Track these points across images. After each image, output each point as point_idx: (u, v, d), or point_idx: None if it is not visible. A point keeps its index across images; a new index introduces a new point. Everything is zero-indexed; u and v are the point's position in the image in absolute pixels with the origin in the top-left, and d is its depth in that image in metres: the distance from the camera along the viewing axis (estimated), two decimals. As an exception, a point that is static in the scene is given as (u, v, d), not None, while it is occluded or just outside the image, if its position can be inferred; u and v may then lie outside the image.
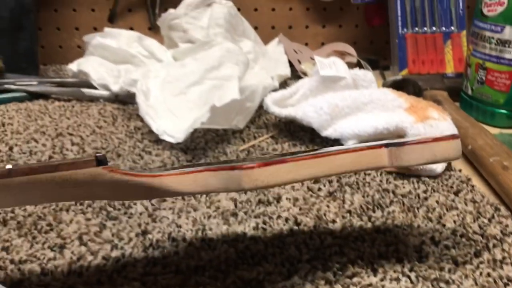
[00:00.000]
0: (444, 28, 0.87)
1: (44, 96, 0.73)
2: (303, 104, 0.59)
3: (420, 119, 0.54)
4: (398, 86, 0.79)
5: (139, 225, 0.43)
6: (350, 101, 0.57)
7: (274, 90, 0.68)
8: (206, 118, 0.53)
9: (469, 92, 0.73)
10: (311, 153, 0.31)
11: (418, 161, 0.33)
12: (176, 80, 0.65)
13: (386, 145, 0.33)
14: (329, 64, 0.62)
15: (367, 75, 0.63)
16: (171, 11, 0.79)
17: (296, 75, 0.85)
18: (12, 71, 0.76)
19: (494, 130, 0.67)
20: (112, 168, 0.28)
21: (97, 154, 0.28)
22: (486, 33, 0.69)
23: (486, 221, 0.45)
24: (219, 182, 0.30)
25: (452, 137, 0.33)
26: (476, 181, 0.53)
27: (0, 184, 0.27)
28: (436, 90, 0.75)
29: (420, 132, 0.50)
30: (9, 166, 0.27)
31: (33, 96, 0.73)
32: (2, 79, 0.72)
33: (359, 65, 0.89)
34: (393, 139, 0.36)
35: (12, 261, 0.38)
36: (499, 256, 0.40)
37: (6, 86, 0.72)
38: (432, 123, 0.52)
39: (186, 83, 0.65)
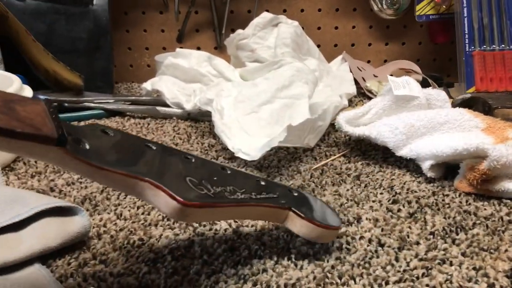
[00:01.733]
0: (513, 45, 0.85)
1: (120, 113, 0.77)
2: (377, 124, 0.60)
3: (499, 139, 0.53)
4: (467, 104, 0.78)
5: (226, 241, 0.44)
6: (426, 121, 0.57)
7: (344, 108, 0.69)
8: (284, 137, 0.55)
9: (544, 111, 0.71)
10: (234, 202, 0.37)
11: (304, 235, 0.41)
12: (248, 99, 0.67)
13: (290, 209, 0.41)
14: (403, 83, 0.62)
15: (440, 94, 0.63)
16: (239, 31, 0.81)
17: (361, 92, 0.85)
18: (90, 90, 0.80)
19: None
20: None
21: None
22: None
23: None
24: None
25: (335, 228, 0.41)
26: (560, 204, 0.51)
27: None
28: (507, 108, 0.74)
29: (503, 153, 0.49)
30: None
31: (110, 113, 0.76)
32: (81, 97, 0.76)
33: (424, 82, 0.88)
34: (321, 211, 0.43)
35: (111, 274, 0.40)
36: None
37: (86, 104, 0.76)
38: (513, 144, 0.51)
39: (258, 102, 0.67)
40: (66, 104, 0.75)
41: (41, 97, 0.75)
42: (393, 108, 0.62)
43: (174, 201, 0.32)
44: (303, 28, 0.93)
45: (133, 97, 0.79)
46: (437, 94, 0.63)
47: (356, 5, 0.94)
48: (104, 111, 0.76)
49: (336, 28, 0.96)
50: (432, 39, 0.96)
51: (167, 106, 0.76)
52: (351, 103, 0.82)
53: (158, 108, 0.75)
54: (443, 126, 0.57)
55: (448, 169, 0.57)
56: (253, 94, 0.67)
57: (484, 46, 0.85)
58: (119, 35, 0.94)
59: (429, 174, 0.55)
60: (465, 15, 0.84)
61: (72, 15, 0.82)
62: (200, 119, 0.75)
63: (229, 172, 0.40)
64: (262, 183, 0.42)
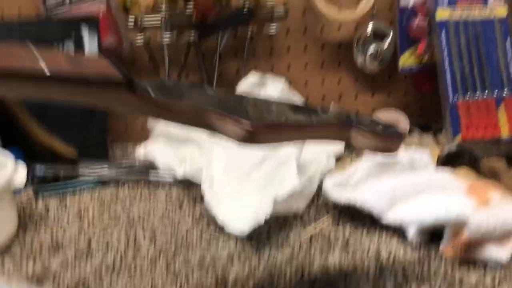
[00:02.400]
0: (496, 92, 0.87)
1: (115, 181, 0.78)
2: (362, 189, 0.61)
3: (482, 201, 0.55)
4: (454, 155, 0.79)
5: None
6: (409, 185, 0.58)
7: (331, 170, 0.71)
8: (270, 211, 0.56)
9: (528, 161, 0.73)
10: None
11: (371, 149, 0.42)
12: (238, 164, 0.69)
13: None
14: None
15: (423, 156, 0.64)
16: (227, 93, 0.84)
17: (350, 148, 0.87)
18: (85, 157, 0.82)
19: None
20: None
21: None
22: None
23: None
24: None
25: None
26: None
27: None
28: (494, 158, 0.75)
29: (482, 221, 0.50)
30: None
31: (104, 182, 0.78)
32: (76, 168, 0.78)
33: (411, 132, 0.90)
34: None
35: None
36: None
37: (80, 174, 0.77)
38: (494, 209, 0.53)
39: (247, 167, 0.69)
40: (61, 175, 0.77)
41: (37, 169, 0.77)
42: (377, 171, 0.63)
43: (241, 129, 0.33)
44: (290, 83, 0.96)
45: (127, 164, 0.80)
46: (420, 156, 0.64)
47: (340, 59, 0.97)
48: (99, 180, 0.78)
49: (323, 81, 0.98)
50: (417, 88, 0.98)
51: (160, 172, 0.77)
52: (340, 158, 0.84)
53: (151, 175, 0.77)
54: (426, 190, 0.58)
55: (435, 233, 0.58)
56: (243, 160, 0.69)
57: (468, 95, 0.87)
58: (112, 99, 0.97)
59: (415, 240, 0.56)
60: (447, 66, 0.87)
61: (65, 86, 0.84)
62: (193, 183, 0.76)
63: (287, 104, 0.42)
64: (320, 111, 0.42)
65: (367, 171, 0.63)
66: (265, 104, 0.40)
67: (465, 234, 0.51)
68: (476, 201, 0.55)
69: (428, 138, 0.93)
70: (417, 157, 0.64)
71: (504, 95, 0.87)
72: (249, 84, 0.84)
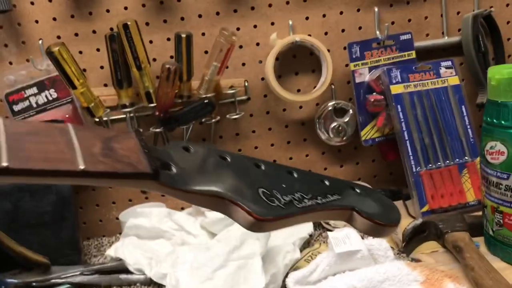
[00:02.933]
0: (457, 159, 0.90)
1: (88, 284, 0.79)
2: (323, 285, 0.62)
3: (436, 295, 0.56)
4: (419, 230, 0.81)
5: None
6: (366, 281, 0.59)
7: (296, 260, 0.72)
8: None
9: (491, 232, 0.74)
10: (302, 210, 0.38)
11: (365, 232, 0.41)
12: (203, 265, 0.70)
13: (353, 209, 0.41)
14: (343, 239, 0.65)
15: (382, 244, 0.65)
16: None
17: (320, 224, 0.88)
18: (58, 258, 0.82)
19: (522, 272, 0.67)
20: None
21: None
22: (494, 179, 0.71)
23: None
24: None
25: (394, 225, 0.41)
26: None
27: None
28: (457, 232, 0.77)
29: (436, 319, 0.51)
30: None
31: (77, 286, 0.78)
32: (48, 274, 0.79)
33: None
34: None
35: None
36: None
37: (53, 280, 0.78)
38: (448, 303, 0.54)
39: (212, 267, 0.69)
40: (34, 284, 0.78)
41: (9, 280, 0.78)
42: (338, 264, 0.64)
43: (251, 217, 0.35)
44: (259, 164, 0.98)
45: (98, 266, 0.81)
46: (379, 244, 0.66)
47: (305, 136, 0.99)
48: (71, 285, 0.78)
49: (291, 158, 1.00)
50: (383, 157, 1.00)
51: (131, 272, 0.78)
52: (311, 238, 0.85)
53: (121, 276, 0.78)
54: (383, 284, 0.59)
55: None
56: (207, 259, 0.70)
57: (430, 165, 0.89)
58: (86, 195, 0.99)
59: (376, 338, 0.57)
60: (406, 137, 0.89)
61: (36, 190, 0.86)
62: (164, 284, 0.77)
63: (295, 175, 0.42)
64: (326, 182, 0.43)
65: (328, 264, 0.64)
66: (277, 185, 0.40)
67: (420, 333, 0.52)
68: (431, 294, 0.56)
69: (399, 206, 0.94)
70: (376, 244, 0.65)
71: (466, 161, 0.89)
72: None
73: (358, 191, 0.44)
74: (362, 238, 0.67)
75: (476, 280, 0.64)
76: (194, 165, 0.37)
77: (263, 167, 0.41)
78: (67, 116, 0.88)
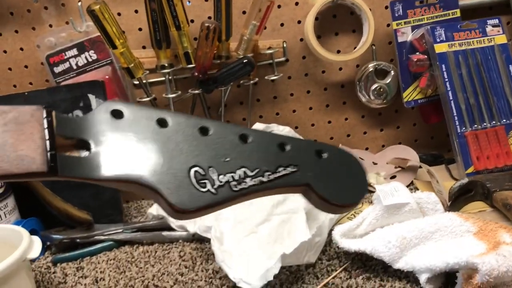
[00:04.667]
0: (504, 120, 0.87)
1: (130, 242, 0.80)
2: (371, 237, 0.61)
3: (491, 245, 0.54)
4: (465, 189, 0.78)
5: None
6: (417, 231, 0.58)
7: (340, 219, 0.70)
8: (278, 269, 0.56)
9: (542, 190, 0.71)
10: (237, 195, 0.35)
11: (318, 209, 0.38)
12: (246, 219, 0.69)
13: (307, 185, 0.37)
14: (391, 191, 0.64)
15: (430, 197, 0.64)
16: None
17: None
18: (99, 218, 0.83)
19: None
20: None
21: None
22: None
23: None
24: None
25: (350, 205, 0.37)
26: None
27: None
28: (506, 191, 0.74)
29: (493, 266, 0.49)
30: None
31: (120, 243, 0.79)
32: (92, 231, 0.80)
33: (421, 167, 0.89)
34: None
35: None
36: None
37: (96, 237, 0.79)
38: (505, 251, 0.52)
39: (256, 221, 0.69)
40: (78, 240, 0.79)
41: (54, 236, 0.79)
42: (385, 217, 0.63)
43: (171, 208, 0.33)
44: (297, 127, 0.97)
45: (140, 224, 0.82)
46: (427, 197, 0.64)
47: (345, 99, 0.98)
48: (114, 242, 0.79)
49: (330, 122, 0.99)
50: (425, 120, 0.97)
51: (173, 229, 0.78)
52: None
53: (164, 233, 0.78)
54: (434, 235, 0.58)
55: (448, 276, 0.57)
56: (251, 214, 0.70)
57: (475, 125, 0.86)
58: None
59: (427, 287, 0.55)
60: (451, 97, 0.87)
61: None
62: (206, 239, 0.77)
63: (249, 141, 0.37)
64: (287, 148, 0.37)
65: (376, 217, 0.63)
66: (219, 160, 0.35)
67: (477, 279, 0.50)
68: (486, 245, 0.54)
69: (441, 170, 0.92)
70: (424, 197, 0.64)
71: (513, 121, 0.86)
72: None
73: (324, 156, 0.38)
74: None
75: (530, 235, 0.61)
76: (119, 138, 0.34)
77: (210, 132, 0.36)
78: (107, 77, 0.88)
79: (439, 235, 0.57)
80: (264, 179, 0.35)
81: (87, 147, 0.33)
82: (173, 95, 0.90)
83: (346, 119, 0.99)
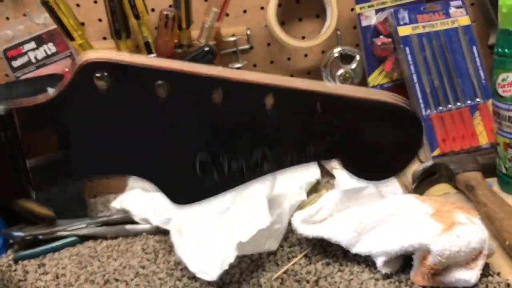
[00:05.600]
0: (469, 101, 0.86)
1: (94, 237, 0.78)
2: (329, 223, 0.60)
3: (447, 226, 0.53)
4: (429, 172, 0.78)
5: None
6: (374, 215, 0.57)
7: (302, 202, 0.70)
8: (234, 257, 0.55)
9: (503, 170, 0.71)
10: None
11: None
12: (206, 209, 0.69)
13: None
14: (349, 175, 0.63)
15: (390, 180, 0.63)
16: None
17: (327, 172, 0.86)
18: (63, 213, 0.82)
19: (536, 209, 0.64)
20: None
21: None
22: (507, 113, 0.68)
23: None
24: None
25: None
26: (518, 284, 0.51)
27: None
28: (469, 172, 0.74)
29: (445, 246, 0.49)
30: None
31: (83, 238, 0.78)
32: (54, 227, 0.78)
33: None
34: None
35: None
36: None
37: (58, 233, 0.78)
38: (458, 231, 0.51)
39: (217, 210, 0.68)
40: (40, 237, 0.77)
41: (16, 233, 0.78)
42: (344, 202, 0.62)
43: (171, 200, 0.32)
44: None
45: (105, 219, 0.80)
46: (386, 180, 0.63)
47: (311, 85, 0.97)
48: (78, 237, 0.78)
49: (297, 109, 0.98)
50: (392, 104, 0.97)
51: (136, 222, 0.77)
52: (318, 184, 0.83)
53: (127, 226, 0.77)
54: (391, 217, 0.57)
55: (406, 259, 0.56)
56: (211, 205, 0.69)
57: (440, 108, 0.86)
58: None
59: (384, 270, 0.55)
60: (415, 80, 0.86)
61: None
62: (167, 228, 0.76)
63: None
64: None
65: (334, 202, 0.62)
66: (235, 140, 0.31)
67: (430, 260, 0.50)
68: (441, 226, 0.54)
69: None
70: (384, 182, 0.63)
71: (477, 103, 0.86)
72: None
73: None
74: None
75: (489, 214, 0.61)
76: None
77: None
78: (67, 70, 0.87)
79: (396, 218, 0.57)
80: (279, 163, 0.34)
81: None
82: (136, 86, 0.88)
83: (313, 105, 0.98)
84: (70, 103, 0.30)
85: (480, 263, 0.52)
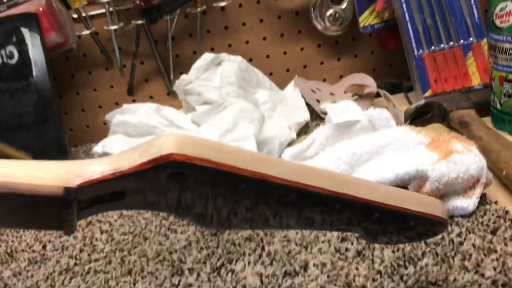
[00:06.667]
0: (462, 41, 0.84)
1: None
2: (321, 156, 0.58)
3: (443, 155, 0.51)
4: (422, 111, 0.76)
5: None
6: (367, 146, 0.55)
7: (292, 141, 0.68)
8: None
9: (498, 106, 0.69)
10: None
11: None
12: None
13: None
14: (342, 109, 0.60)
15: (383, 113, 0.61)
16: (183, 76, 0.81)
17: (317, 115, 0.84)
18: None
19: (531, 144, 0.63)
20: None
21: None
22: (503, 45, 0.65)
23: (529, 261, 0.41)
24: None
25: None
26: (515, 211, 0.49)
27: None
28: (463, 109, 0.72)
29: (443, 172, 0.47)
30: None
31: (64, 184, 0.75)
32: (33, 173, 0.75)
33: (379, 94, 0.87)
34: None
35: None
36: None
37: (38, 179, 0.74)
38: (456, 159, 0.50)
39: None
40: (18, 183, 0.74)
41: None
42: (336, 136, 0.60)
43: None
44: (251, 59, 0.93)
45: (86, 163, 0.77)
46: (379, 113, 0.61)
47: (300, 27, 0.93)
48: (58, 183, 0.75)
49: (285, 53, 0.94)
50: (383, 47, 0.94)
51: (120, 167, 0.74)
52: (307, 128, 0.80)
53: (110, 171, 0.74)
54: (386, 149, 0.55)
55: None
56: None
57: (433, 47, 0.83)
58: (70, 99, 0.94)
59: (378, 202, 0.53)
60: (408, 19, 0.83)
61: (15, 90, 0.81)
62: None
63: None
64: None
65: (326, 137, 0.60)
66: None
67: (427, 187, 0.48)
68: (437, 155, 0.52)
69: (400, 98, 0.89)
70: (376, 114, 0.61)
71: (471, 42, 0.84)
72: (203, 64, 0.80)
73: None
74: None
75: (485, 147, 0.60)
76: None
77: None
78: (40, 9, 0.82)
79: (391, 149, 0.55)
80: None
81: None
82: (115, 27, 0.84)
83: (302, 49, 0.95)
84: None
85: (477, 191, 0.50)
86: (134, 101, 0.94)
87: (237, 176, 0.26)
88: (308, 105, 0.83)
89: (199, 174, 0.26)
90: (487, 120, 0.73)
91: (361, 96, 0.87)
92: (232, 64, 0.80)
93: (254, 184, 0.27)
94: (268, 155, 0.33)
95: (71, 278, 0.51)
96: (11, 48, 0.80)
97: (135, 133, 0.79)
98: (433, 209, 0.32)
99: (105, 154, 0.76)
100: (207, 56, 0.81)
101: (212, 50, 0.92)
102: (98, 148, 0.77)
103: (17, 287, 0.51)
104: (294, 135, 0.69)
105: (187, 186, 0.27)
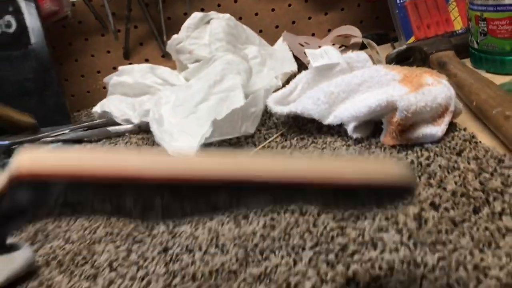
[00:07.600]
0: (444, -14, 0.86)
1: (78, 141, 0.80)
2: (301, 98, 0.61)
3: (414, 88, 0.55)
4: (403, 56, 0.79)
5: (161, 243, 0.47)
6: (344, 85, 0.58)
7: (278, 89, 0.71)
8: (210, 132, 0.57)
9: (475, 46, 0.72)
10: None
11: None
12: (185, 101, 0.70)
13: None
14: (321, 54, 0.64)
15: (360, 55, 0.64)
16: (174, 36, 0.84)
17: (306, 68, 0.87)
18: (47, 126, 0.83)
19: (506, 78, 0.66)
20: None
21: None
22: (477, -15, 0.68)
23: (488, 175, 0.45)
24: None
25: None
26: (482, 137, 0.53)
27: None
28: (441, 51, 0.75)
29: (411, 102, 0.51)
30: None
31: (68, 143, 0.79)
32: (38, 134, 0.80)
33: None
34: None
35: (55, 296, 0.43)
36: (498, 208, 0.41)
37: (43, 139, 0.79)
38: (425, 90, 0.53)
39: (194, 102, 0.69)
40: (25, 144, 0.79)
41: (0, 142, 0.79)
42: (317, 80, 0.63)
43: None
44: (240, 18, 0.95)
45: (87, 123, 0.82)
46: (357, 56, 0.64)
47: (286, -17, 0.95)
48: (62, 142, 0.79)
49: (273, 10, 0.97)
50: (368, -1, 0.96)
51: (118, 124, 0.78)
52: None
53: (109, 128, 0.78)
54: (361, 87, 0.58)
55: (377, 128, 0.58)
56: (189, 96, 0.70)
57: (415, -6, 0.86)
58: (69, 66, 0.97)
59: (354, 135, 0.57)
60: (389, -33, 0.85)
61: (14, 58, 0.85)
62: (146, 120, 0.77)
63: None
64: None
65: (307, 81, 0.63)
66: None
67: (396, 117, 0.52)
68: (408, 88, 0.55)
69: (387, 48, 0.92)
70: (354, 56, 0.64)
71: (452, -13, 0.86)
72: (193, 22, 0.83)
73: None
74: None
75: (459, 82, 0.63)
76: None
77: None
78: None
79: (366, 87, 0.58)
80: None
81: None
82: (106, -8, 0.87)
83: (289, 5, 0.97)
84: None
85: (446, 120, 0.53)
86: (130, 63, 0.97)
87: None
88: (297, 58, 0.86)
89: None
90: (467, 62, 0.75)
91: (347, 46, 0.90)
92: (220, 21, 0.83)
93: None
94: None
95: (75, 219, 0.56)
96: (9, 18, 0.83)
97: (131, 93, 0.83)
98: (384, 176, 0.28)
99: (104, 114, 0.80)
100: (196, 15, 0.84)
101: (202, 10, 0.95)
102: (97, 108, 0.81)
103: (27, 230, 0.56)
104: (279, 83, 0.73)
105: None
